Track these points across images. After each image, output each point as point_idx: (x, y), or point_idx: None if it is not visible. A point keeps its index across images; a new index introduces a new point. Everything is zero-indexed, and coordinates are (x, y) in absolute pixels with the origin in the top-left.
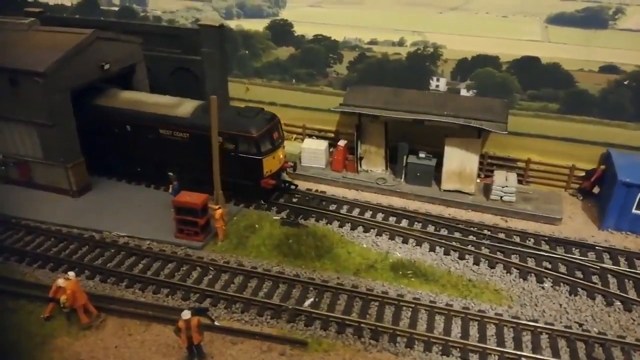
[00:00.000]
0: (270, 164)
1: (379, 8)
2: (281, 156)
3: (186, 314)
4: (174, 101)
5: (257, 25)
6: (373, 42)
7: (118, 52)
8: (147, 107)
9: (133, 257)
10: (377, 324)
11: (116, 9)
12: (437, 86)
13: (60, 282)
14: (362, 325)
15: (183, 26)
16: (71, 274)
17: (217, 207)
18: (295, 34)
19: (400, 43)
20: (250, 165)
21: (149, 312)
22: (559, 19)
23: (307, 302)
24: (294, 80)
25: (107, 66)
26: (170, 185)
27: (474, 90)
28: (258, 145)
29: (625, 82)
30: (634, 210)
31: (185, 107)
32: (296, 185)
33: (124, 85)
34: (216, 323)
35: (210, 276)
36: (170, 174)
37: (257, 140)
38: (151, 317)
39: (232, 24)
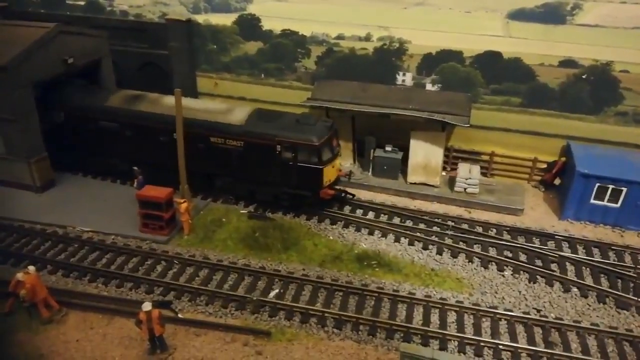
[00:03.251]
0: (329, 174)
1: (345, 3)
2: (338, 165)
3: (147, 306)
4: (224, 107)
5: (225, 19)
6: (340, 37)
7: (83, 46)
8: (196, 113)
9: (97, 251)
10: (341, 313)
11: (82, 3)
12: (403, 81)
13: (20, 276)
14: (326, 314)
15: (150, 21)
16: (31, 268)
17: (182, 201)
18: (264, 29)
19: (367, 38)
20: (310, 175)
21: (112, 305)
22: (520, 15)
23: (272, 294)
24: (262, 75)
25: (70, 60)
26: (135, 180)
27: (439, 85)
28: (320, 154)
29: (584, 76)
30: (592, 201)
31: (238, 113)
32: (353, 195)
33: (90, 80)
34: (179, 315)
35: (175, 270)
36: (135, 168)
37: (319, 149)
38: (114, 310)
39: (200, 18)
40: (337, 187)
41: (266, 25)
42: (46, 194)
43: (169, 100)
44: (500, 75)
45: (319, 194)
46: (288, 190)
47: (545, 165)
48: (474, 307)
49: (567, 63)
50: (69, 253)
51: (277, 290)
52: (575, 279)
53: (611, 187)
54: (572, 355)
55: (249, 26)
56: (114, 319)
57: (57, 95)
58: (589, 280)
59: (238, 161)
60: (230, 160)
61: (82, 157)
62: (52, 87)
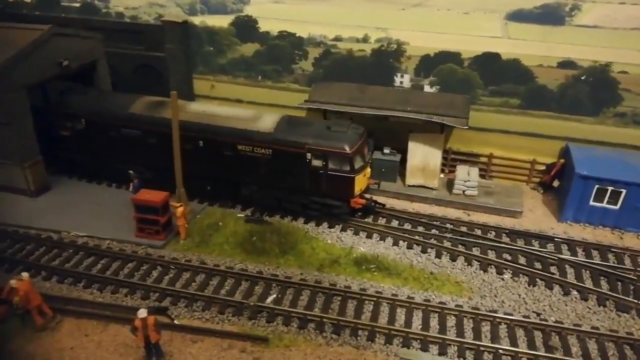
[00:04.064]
0: (360, 182)
1: (342, 4)
2: (369, 173)
3: (142, 313)
4: (251, 114)
5: (221, 21)
6: (338, 39)
7: (77, 48)
8: (223, 120)
9: (92, 257)
10: (339, 318)
11: (77, 5)
12: (401, 82)
13: (13, 283)
14: (324, 319)
15: (146, 22)
16: (24, 274)
17: (178, 205)
18: (260, 30)
19: (365, 39)
20: (342, 183)
21: (107, 312)
22: (518, 16)
23: (270, 299)
24: (260, 77)
25: (65, 63)
26: (131, 184)
27: (437, 87)
28: (352, 163)
29: (583, 78)
30: (591, 202)
31: (266, 120)
32: (384, 205)
33: (85, 82)
34: (176, 322)
35: (171, 275)
36: (131, 171)
37: (352, 157)
38: (109, 317)
39: (196, 20)
40: (367, 196)
41: (263, 26)
42: (41, 198)
43: (194, 106)
44: (498, 76)
45: (349, 203)
46: (317, 199)
47: (544, 167)
48: (473, 311)
49: (566, 64)
50: (63, 258)
51: (274, 295)
52: (575, 281)
53: (610, 188)
54: (572, 359)
55: (246, 28)
56: (109, 325)
57: (78, 101)
58: (588, 283)
59: (266, 169)
60: (257, 168)
61: (102, 164)
62: (71, 92)
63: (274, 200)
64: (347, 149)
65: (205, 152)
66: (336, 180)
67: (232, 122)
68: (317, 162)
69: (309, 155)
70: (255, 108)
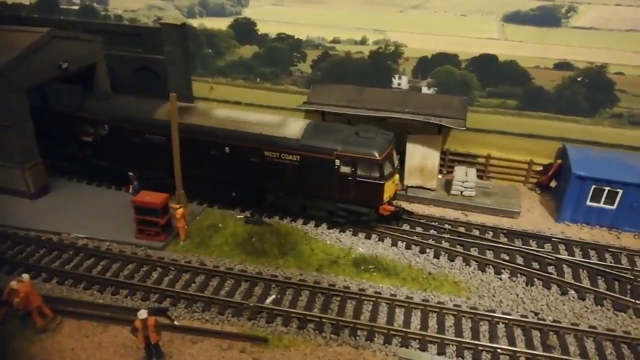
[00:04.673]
0: (389, 189)
1: (340, 7)
2: (397, 179)
3: (142, 314)
4: (278, 120)
5: (220, 23)
6: (336, 41)
7: (77, 51)
8: (249, 127)
9: (92, 258)
10: (338, 318)
11: (76, 8)
12: (399, 84)
13: (14, 284)
14: (324, 320)
15: (145, 25)
16: (25, 276)
17: (178, 206)
18: (259, 33)
19: (363, 42)
20: (370, 190)
21: (107, 313)
22: (515, 17)
23: (269, 299)
24: (258, 79)
25: (65, 65)
26: (131, 185)
27: (435, 88)
28: (382, 169)
29: (579, 79)
30: (588, 203)
31: (293, 127)
32: (412, 212)
33: (84, 85)
34: (176, 323)
35: (171, 276)
36: (131, 173)
37: (381, 163)
38: (109, 318)
39: (195, 22)
40: (395, 202)
41: (261, 29)
42: (40, 200)
43: (220, 112)
44: (495, 78)
45: (378, 210)
46: (344, 206)
47: (541, 168)
48: (471, 310)
49: (562, 65)
50: (63, 260)
51: (274, 296)
52: (572, 281)
53: (607, 189)
54: (570, 358)
55: (245, 30)
56: (109, 326)
57: (101, 107)
58: (586, 283)
59: (293, 175)
60: (284, 175)
61: (124, 169)
62: (93, 98)
63: (300, 206)
64: (377, 155)
65: (232, 158)
66: (365, 187)
67: (258, 129)
68: (345, 169)
69: (337, 161)
70: (254, 110)
